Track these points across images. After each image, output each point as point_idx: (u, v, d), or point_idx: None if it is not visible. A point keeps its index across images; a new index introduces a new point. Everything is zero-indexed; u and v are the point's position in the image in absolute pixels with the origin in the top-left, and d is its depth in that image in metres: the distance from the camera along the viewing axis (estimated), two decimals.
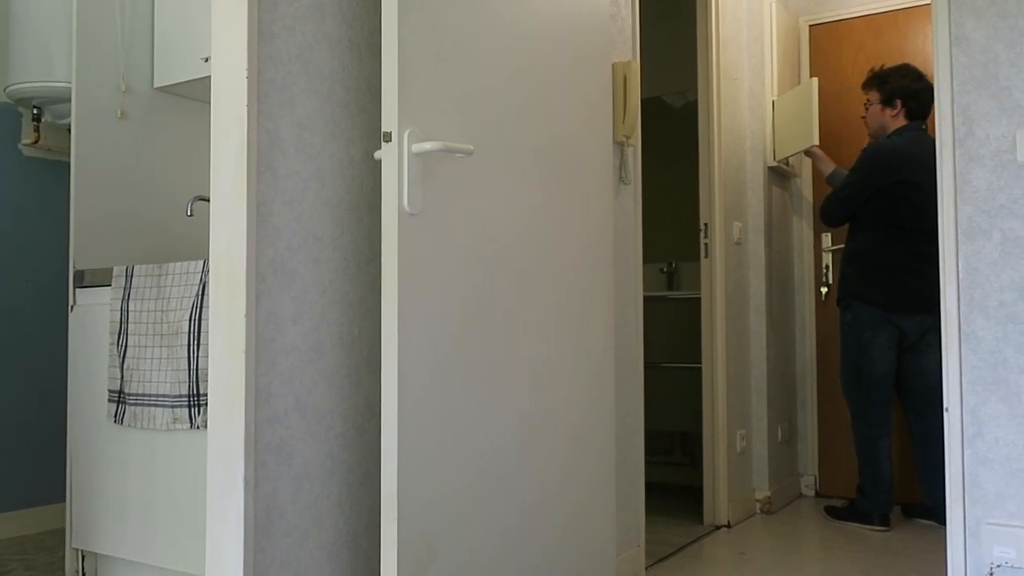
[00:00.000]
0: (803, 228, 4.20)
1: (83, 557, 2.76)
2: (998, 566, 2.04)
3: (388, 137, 1.81)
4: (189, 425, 2.43)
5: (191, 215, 2.92)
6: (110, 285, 2.68)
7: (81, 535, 2.74)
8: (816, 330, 4.13)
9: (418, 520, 1.81)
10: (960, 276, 2.15)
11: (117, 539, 2.64)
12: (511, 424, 2.10)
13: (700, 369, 3.60)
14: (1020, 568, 2.01)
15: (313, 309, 1.82)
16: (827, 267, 4.11)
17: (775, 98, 3.92)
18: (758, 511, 3.72)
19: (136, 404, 2.55)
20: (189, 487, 2.48)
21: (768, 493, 3.72)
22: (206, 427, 1.91)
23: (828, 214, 3.62)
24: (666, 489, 4.16)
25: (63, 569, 2.83)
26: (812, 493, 4.07)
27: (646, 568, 2.86)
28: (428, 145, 1.81)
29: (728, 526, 3.46)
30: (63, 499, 3.08)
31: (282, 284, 1.76)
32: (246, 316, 1.66)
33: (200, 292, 2.44)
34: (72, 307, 2.81)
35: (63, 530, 3.31)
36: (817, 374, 4.12)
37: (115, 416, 2.60)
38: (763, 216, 3.81)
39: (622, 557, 2.66)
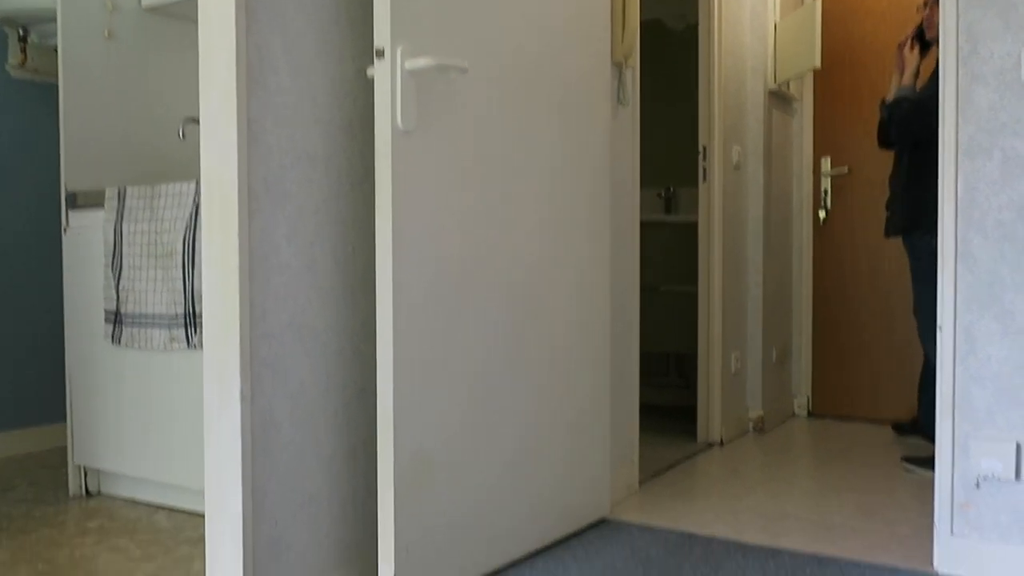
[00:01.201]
0: (803, 152, 4.16)
1: (86, 473, 2.81)
2: (985, 478, 2.09)
3: (380, 53, 1.77)
4: (186, 345, 2.44)
5: (183, 137, 2.89)
6: (103, 207, 2.67)
7: (83, 452, 2.78)
8: (813, 254, 4.14)
9: (415, 436, 1.84)
10: (959, 196, 2.13)
11: (118, 456, 2.69)
12: (505, 342, 2.12)
13: (696, 292, 3.61)
14: (1006, 480, 2.05)
15: (306, 228, 1.82)
16: (826, 191, 4.09)
17: (778, 20, 3.83)
18: (751, 430, 3.79)
19: (133, 325, 2.56)
20: (187, 405, 2.51)
21: (761, 412, 3.78)
22: (203, 347, 1.93)
23: (918, 116, 2.92)
24: (661, 410, 4.22)
25: (67, 485, 2.88)
26: (804, 413, 4.14)
27: (640, 483, 2.92)
28: (421, 61, 1.78)
29: (721, 444, 3.52)
30: (65, 419, 3.13)
31: (275, 202, 1.74)
32: (238, 234, 1.65)
33: (193, 213, 2.43)
34: (65, 229, 2.80)
35: (65, 449, 3.37)
36: (813, 297, 4.14)
37: (112, 337, 2.62)
38: (762, 140, 3.77)
39: (616, 473, 2.72)
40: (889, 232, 3.18)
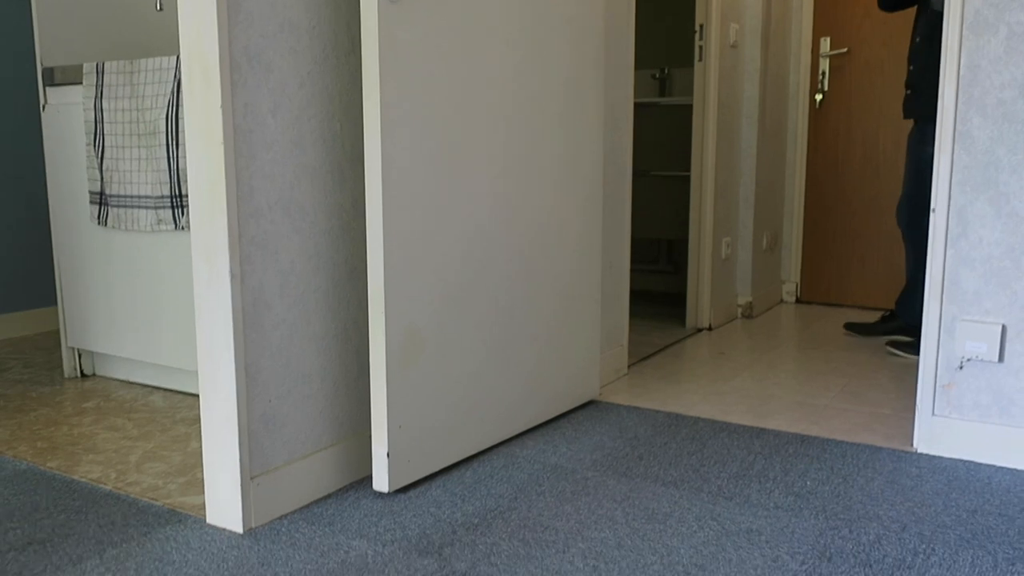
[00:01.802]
0: (802, 32, 4.04)
1: (80, 355, 2.83)
2: (968, 360, 2.12)
3: None
4: (174, 226, 2.41)
5: (160, 8, 2.78)
6: (81, 83, 2.58)
7: (76, 335, 2.79)
8: (808, 139, 4.08)
9: (405, 314, 1.84)
10: (961, 73, 2.08)
11: (111, 338, 2.69)
12: (494, 219, 2.09)
13: (689, 177, 3.58)
14: (990, 361, 2.08)
15: (292, 102, 1.76)
16: (823, 73, 3.99)
17: None
18: (739, 316, 3.82)
19: (118, 206, 2.52)
20: (178, 287, 2.50)
21: (750, 299, 3.81)
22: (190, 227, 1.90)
23: None
24: (651, 296, 4.25)
25: (61, 367, 2.90)
26: (793, 300, 4.17)
27: (629, 366, 2.96)
28: None
29: (709, 329, 3.56)
30: (56, 302, 3.12)
31: (258, 75, 1.68)
32: (222, 107, 1.60)
33: (175, 90, 2.35)
34: (44, 107, 2.71)
35: (59, 332, 3.37)
36: (806, 183, 4.10)
37: (98, 218, 2.58)
38: (761, 18, 3.66)
39: (606, 355, 2.75)
40: (907, 114, 3.02)
